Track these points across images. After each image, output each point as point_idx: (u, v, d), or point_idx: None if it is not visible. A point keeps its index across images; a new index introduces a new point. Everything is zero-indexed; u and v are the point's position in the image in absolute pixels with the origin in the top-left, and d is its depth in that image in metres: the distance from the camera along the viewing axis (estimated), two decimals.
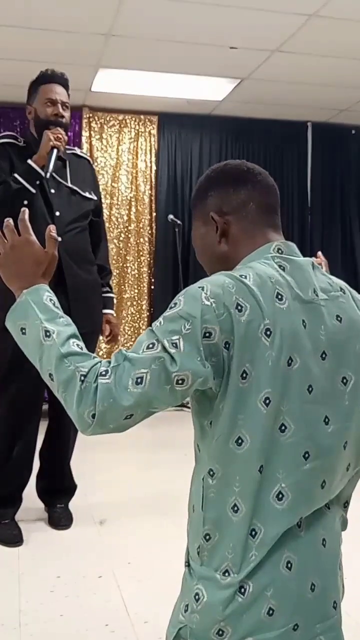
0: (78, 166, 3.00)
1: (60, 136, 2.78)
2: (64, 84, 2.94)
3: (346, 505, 1.17)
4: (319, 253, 2.49)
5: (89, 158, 3.17)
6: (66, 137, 2.84)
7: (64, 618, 2.25)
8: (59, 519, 3.02)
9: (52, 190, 2.86)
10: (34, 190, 2.76)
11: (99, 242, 3.10)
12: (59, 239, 1.20)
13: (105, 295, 3.07)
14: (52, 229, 1.19)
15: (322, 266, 2.35)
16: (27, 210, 1.19)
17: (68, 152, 3.00)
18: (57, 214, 2.83)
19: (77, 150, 3.14)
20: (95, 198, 3.01)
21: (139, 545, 2.83)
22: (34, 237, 1.16)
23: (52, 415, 3.08)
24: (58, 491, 3.12)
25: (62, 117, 2.87)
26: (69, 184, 2.91)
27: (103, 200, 5.77)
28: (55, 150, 2.75)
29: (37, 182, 2.76)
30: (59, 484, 3.13)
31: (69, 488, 3.15)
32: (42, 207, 2.80)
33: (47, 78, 2.93)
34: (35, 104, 2.91)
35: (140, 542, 2.86)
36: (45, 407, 3.09)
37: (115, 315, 3.19)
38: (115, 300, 3.20)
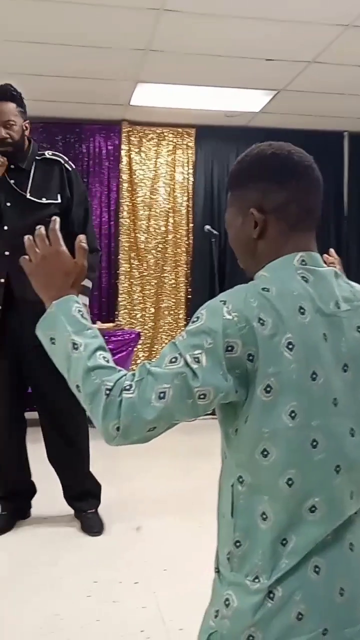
0: (44, 172, 2.97)
1: None
2: (7, 97, 2.92)
3: None
4: (331, 250, 2.39)
5: (60, 159, 3.07)
6: (4, 161, 2.85)
7: (100, 623, 2.28)
8: (90, 526, 3.06)
9: (8, 204, 2.91)
10: None
11: (78, 232, 3.01)
12: (86, 247, 1.18)
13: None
14: (82, 238, 1.18)
15: (335, 265, 2.29)
16: (57, 220, 1.18)
17: (38, 158, 3.00)
18: (5, 228, 2.89)
19: (48, 154, 3.06)
20: (58, 200, 2.96)
21: (175, 552, 2.85)
22: (64, 248, 1.17)
23: (41, 424, 3.14)
24: (79, 497, 3.14)
25: (5, 138, 2.88)
26: (27, 195, 2.92)
27: (142, 212, 5.91)
28: None
29: None
30: (76, 489, 3.14)
31: (89, 492, 3.15)
32: None
33: None
34: None
35: (176, 549, 2.88)
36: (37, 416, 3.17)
37: (86, 304, 3.02)
38: (89, 288, 2.99)
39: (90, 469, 3.18)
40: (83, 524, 3.09)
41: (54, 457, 3.14)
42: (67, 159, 3.10)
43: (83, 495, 3.15)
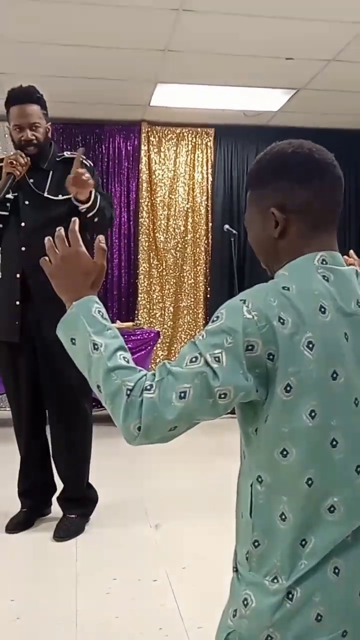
0: (62, 172, 2.98)
1: (15, 162, 2.86)
2: (32, 99, 2.96)
3: None
4: (351, 252, 2.37)
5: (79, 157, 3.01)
6: (27, 161, 2.89)
7: (119, 620, 2.29)
8: (58, 529, 3.02)
9: (26, 202, 2.96)
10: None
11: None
12: (105, 248, 1.20)
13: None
14: (101, 239, 1.19)
15: (355, 266, 2.31)
16: (77, 220, 1.20)
17: (58, 159, 3.06)
18: (23, 224, 2.94)
19: (67, 154, 3.11)
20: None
21: (194, 551, 2.85)
22: (83, 249, 1.18)
23: (49, 422, 3.16)
24: (65, 500, 3.13)
25: (31, 140, 2.94)
26: (45, 194, 2.97)
27: (161, 212, 5.93)
28: (12, 176, 2.86)
29: (8, 204, 2.91)
30: (64, 492, 3.14)
31: (73, 499, 3.12)
32: (15, 221, 2.94)
33: (13, 99, 2.97)
34: (10, 125, 3.00)
35: (195, 547, 2.88)
36: None
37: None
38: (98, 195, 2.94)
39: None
40: (57, 526, 3.05)
41: (56, 458, 3.15)
42: (85, 157, 3.12)
43: (66, 499, 3.12)
